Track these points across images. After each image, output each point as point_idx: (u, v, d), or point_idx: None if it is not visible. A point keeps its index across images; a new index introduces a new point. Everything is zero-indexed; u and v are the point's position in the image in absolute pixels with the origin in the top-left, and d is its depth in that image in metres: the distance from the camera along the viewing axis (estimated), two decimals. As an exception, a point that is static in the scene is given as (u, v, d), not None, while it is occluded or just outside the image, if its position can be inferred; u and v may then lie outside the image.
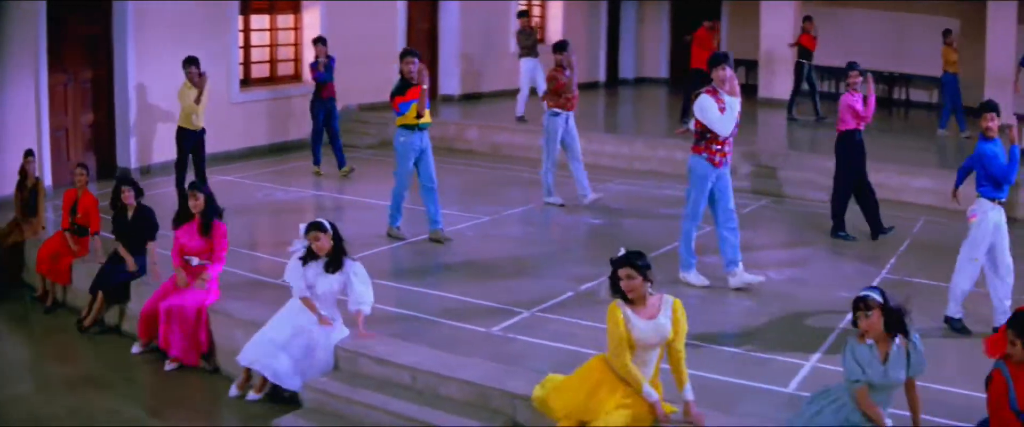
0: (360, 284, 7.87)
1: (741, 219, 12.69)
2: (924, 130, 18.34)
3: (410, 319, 8.61)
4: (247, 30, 16.55)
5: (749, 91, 23.81)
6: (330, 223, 7.91)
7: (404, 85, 10.93)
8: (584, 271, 10.01)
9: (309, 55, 17.48)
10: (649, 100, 22.97)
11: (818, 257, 10.93)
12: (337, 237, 7.88)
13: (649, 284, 6.15)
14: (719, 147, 9.35)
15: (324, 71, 14.64)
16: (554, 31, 23.85)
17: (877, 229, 11.61)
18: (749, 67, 24.89)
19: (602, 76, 25.46)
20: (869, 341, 5.78)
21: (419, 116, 10.90)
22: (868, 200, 11.64)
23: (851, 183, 11.59)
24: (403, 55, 11.11)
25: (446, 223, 11.30)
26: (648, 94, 23.85)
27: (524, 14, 18.73)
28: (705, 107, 9.23)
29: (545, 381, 6.61)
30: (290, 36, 17.50)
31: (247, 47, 16.56)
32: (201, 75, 12.41)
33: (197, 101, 12.34)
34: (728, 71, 9.16)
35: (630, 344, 6.12)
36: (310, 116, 15.02)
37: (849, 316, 8.63)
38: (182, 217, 8.90)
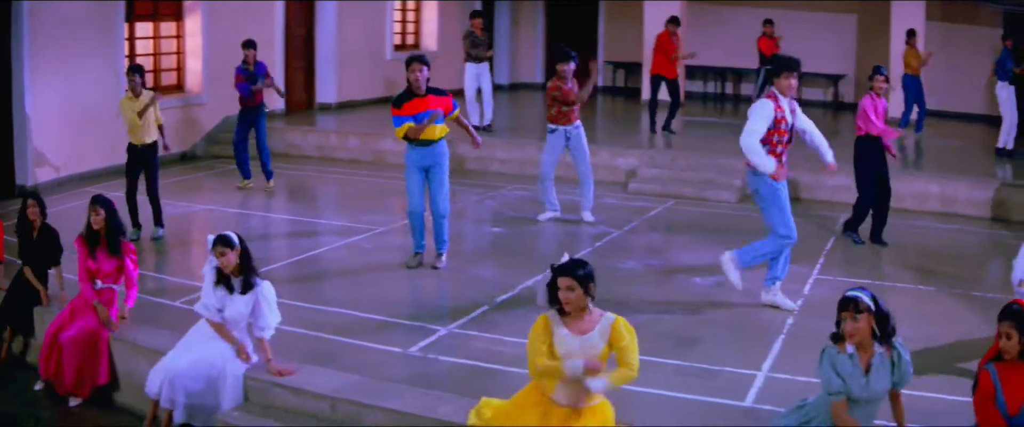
0: (268, 308, 7.24)
1: (649, 222, 12.57)
2: (825, 128, 18.30)
3: (316, 340, 8.08)
4: (132, 38, 15.85)
5: (632, 94, 23.75)
6: (238, 236, 7.27)
7: (406, 95, 9.84)
8: (495, 283, 9.72)
9: (193, 64, 16.88)
10: (528, 104, 22.65)
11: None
12: (245, 253, 7.23)
13: (590, 299, 5.76)
14: (776, 157, 8.55)
15: (246, 82, 13.94)
16: (429, 33, 23.51)
17: (877, 235, 11.60)
18: (628, 70, 24.72)
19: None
20: (850, 349, 5.40)
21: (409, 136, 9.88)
22: (883, 205, 11.55)
23: (872, 187, 11.45)
24: (409, 62, 9.84)
25: (339, 236, 10.73)
26: (525, 99, 23.58)
27: (478, 14, 17.44)
28: (758, 110, 8.46)
29: (480, 406, 6.18)
30: (173, 44, 16.81)
31: (132, 56, 15.82)
32: (145, 88, 11.49)
33: (140, 115, 11.28)
34: (794, 80, 8.56)
35: (552, 356, 5.76)
36: (237, 125, 14.28)
37: (790, 320, 8.53)
38: (91, 235, 8.16)
